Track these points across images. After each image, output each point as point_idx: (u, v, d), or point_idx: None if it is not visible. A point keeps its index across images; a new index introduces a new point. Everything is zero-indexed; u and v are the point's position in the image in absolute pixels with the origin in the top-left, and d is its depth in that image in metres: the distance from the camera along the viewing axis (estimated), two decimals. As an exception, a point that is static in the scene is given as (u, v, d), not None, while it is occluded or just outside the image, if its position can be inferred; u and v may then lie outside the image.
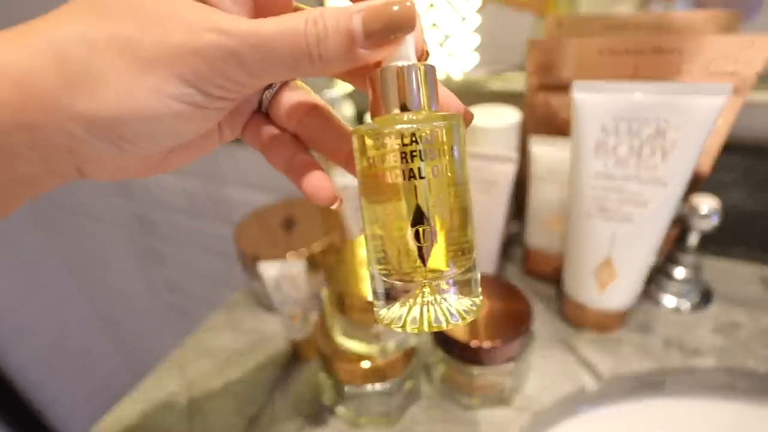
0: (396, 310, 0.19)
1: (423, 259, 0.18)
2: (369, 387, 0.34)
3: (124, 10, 0.16)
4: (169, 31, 0.16)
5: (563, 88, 0.41)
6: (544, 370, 0.40)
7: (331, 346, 0.35)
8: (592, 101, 0.33)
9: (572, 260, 0.41)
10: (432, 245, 0.18)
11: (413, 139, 0.17)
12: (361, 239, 0.36)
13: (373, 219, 0.19)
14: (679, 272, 0.44)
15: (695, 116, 0.31)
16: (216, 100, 0.18)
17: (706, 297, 0.45)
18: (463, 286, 0.19)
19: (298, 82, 0.23)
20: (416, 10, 0.17)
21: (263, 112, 0.23)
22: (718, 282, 0.47)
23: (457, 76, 0.51)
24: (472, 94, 0.49)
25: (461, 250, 0.19)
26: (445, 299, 0.18)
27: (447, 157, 0.17)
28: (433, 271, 0.18)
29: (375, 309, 0.20)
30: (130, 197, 1.08)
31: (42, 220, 1.31)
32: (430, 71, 0.18)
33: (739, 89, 0.34)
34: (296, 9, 0.19)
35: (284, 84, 0.22)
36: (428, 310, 0.18)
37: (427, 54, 0.20)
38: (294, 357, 0.43)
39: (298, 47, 0.16)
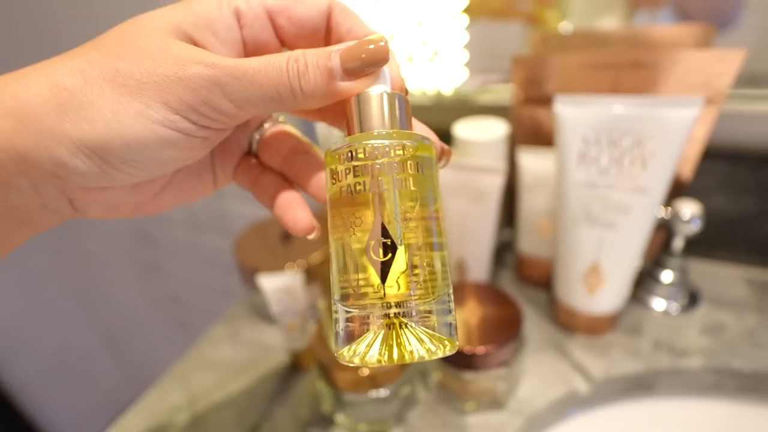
0: (355, 345, 0.17)
1: (383, 276, 0.17)
2: (367, 394, 0.35)
3: (120, 49, 0.17)
4: (159, 64, 0.17)
5: (548, 101, 0.42)
6: (537, 373, 0.41)
7: (329, 355, 0.36)
8: (573, 114, 0.35)
9: (561, 266, 0.42)
10: (390, 262, 0.17)
11: (378, 151, 0.17)
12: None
13: (338, 244, 0.18)
14: (667, 275, 0.46)
15: (670, 127, 0.33)
16: (201, 129, 0.18)
17: (693, 299, 0.47)
18: (427, 319, 0.17)
19: (286, 125, 0.24)
20: (390, 48, 0.18)
21: (253, 153, 0.24)
22: (704, 284, 0.48)
23: (447, 91, 0.53)
24: (461, 107, 0.51)
25: (428, 276, 0.17)
26: (409, 330, 0.17)
27: (412, 173, 0.18)
28: (395, 295, 0.17)
29: (335, 348, 0.18)
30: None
31: (43, 235, 1.31)
32: (401, 99, 0.19)
33: (713, 100, 0.36)
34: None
35: (273, 125, 0.24)
36: (388, 342, 0.17)
37: (406, 91, 0.21)
38: (293, 367, 0.45)
39: (281, 81, 0.17)
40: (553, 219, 0.46)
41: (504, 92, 0.50)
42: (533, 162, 0.44)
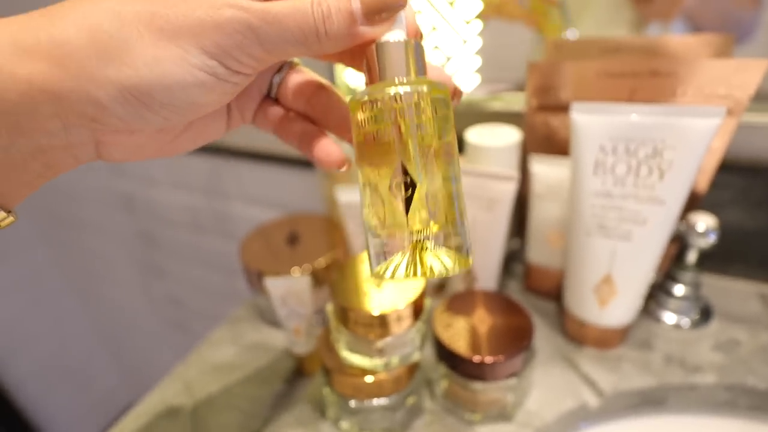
0: (385, 264, 0.20)
1: (406, 209, 0.19)
2: (372, 401, 0.34)
3: None
4: (192, 7, 0.17)
5: (562, 108, 0.42)
6: (546, 385, 0.40)
7: (335, 361, 0.35)
8: (590, 122, 0.34)
9: (573, 277, 0.42)
10: (411, 197, 0.19)
11: (397, 99, 0.19)
12: (363, 246, 0.37)
13: (366, 181, 0.20)
14: (679, 289, 0.45)
15: (690, 137, 0.32)
16: (234, 74, 0.19)
17: (705, 314, 0.46)
18: (447, 241, 0.20)
19: (303, 68, 0.25)
20: None
21: (272, 97, 0.25)
22: (717, 299, 0.47)
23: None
24: (473, 114, 0.50)
25: (444, 205, 0.20)
26: (431, 253, 0.20)
27: (428, 116, 0.19)
28: (417, 223, 0.19)
29: (370, 268, 0.21)
30: (132, 212, 1.08)
31: (44, 234, 1.32)
32: (418, 46, 0.20)
33: (734, 111, 0.35)
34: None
35: (291, 69, 0.25)
36: (413, 262, 0.20)
37: (421, 35, 0.22)
38: (297, 372, 0.44)
39: (307, 24, 0.18)
40: (564, 229, 0.46)
41: (516, 100, 0.50)
42: (545, 170, 0.44)
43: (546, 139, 0.45)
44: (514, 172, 0.38)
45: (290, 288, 0.39)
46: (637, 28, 0.46)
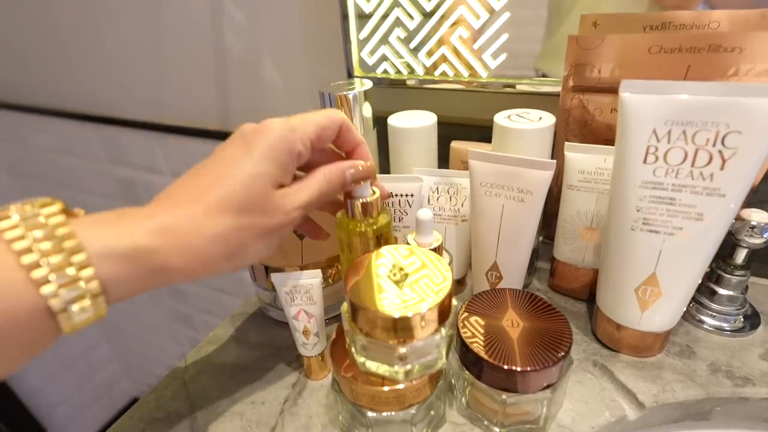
0: None
1: None
2: (391, 413, 0.31)
3: (252, 210, 0.27)
4: (277, 218, 0.28)
5: (602, 89, 0.38)
6: (580, 396, 0.36)
7: (349, 367, 0.31)
8: (643, 102, 0.30)
9: (610, 276, 0.38)
10: None
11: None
12: (382, 251, 0.33)
13: None
14: (723, 291, 0.41)
15: (760, 120, 0.28)
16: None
17: (752, 320, 0.42)
18: None
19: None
20: (373, 169, 0.33)
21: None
22: (764, 304, 0.43)
23: (484, 75, 0.48)
24: (500, 94, 0.46)
25: None
26: None
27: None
28: None
29: None
30: (134, 202, 1.05)
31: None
32: (375, 200, 0.34)
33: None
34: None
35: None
36: None
37: (389, 194, 0.41)
38: (306, 375, 0.40)
39: (328, 195, 0.31)
40: (599, 223, 0.42)
41: (549, 80, 0.46)
42: (580, 159, 0.40)
43: (581, 123, 0.41)
44: (551, 160, 0.34)
45: (299, 284, 0.36)
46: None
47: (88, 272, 0.21)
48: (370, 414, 0.31)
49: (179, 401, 0.39)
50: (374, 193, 0.34)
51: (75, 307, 0.21)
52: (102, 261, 0.22)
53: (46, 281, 0.20)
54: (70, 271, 0.20)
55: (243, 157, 0.27)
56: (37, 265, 0.20)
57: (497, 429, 0.33)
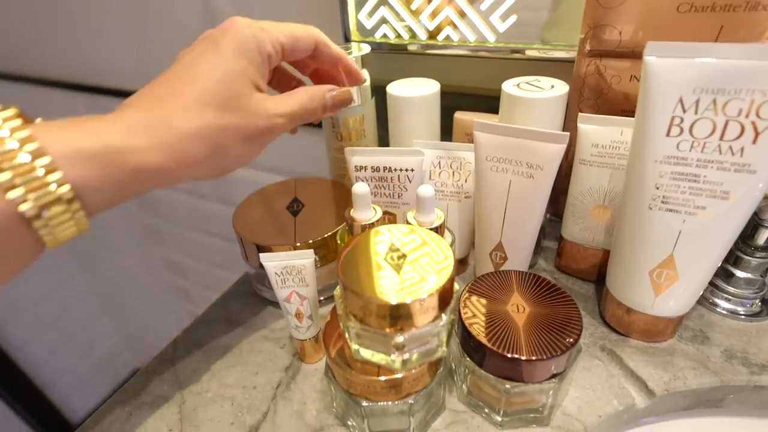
0: None
1: None
2: (387, 404, 0.29)
3: (230, 109, 0.26)
4: (258, 120, 0.28)
5: (622, 54, 0.34)
6: (587, 383, 0.35)
7: (342, 354, 0.30)
8: (670, 67, 0.27)
9: (623, 257, 0.35)
10: None
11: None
12: (380, 229, 0.30)
13: None
14: (741, 273, 0.39)
15: (803, 88, 0.25)
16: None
17: (769, 303, 0.40)
18: None
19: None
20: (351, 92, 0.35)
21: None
22: (783, 285, 0.41)
23: (492, 39, 0.45)
24: (508, 61, 0.43)
25: None
26: None
27: None
28: None
29: None
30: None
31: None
32: (377, 220, 0.35)
33: None
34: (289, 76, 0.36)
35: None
36: None
37: (364, 79, 0.37)
38: (300, 358, 0.38)
39: (310, 112, 0.31)
40: (612, 201, 0.39)
41: (562, 44, 0.42)
42: (595, 131, 0.37)
43: (596, 92, 0.38)
44: (564, 132, 0.31)
45: (290, 264, 0.33)
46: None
47: (56, 176, 0.20)
48: (365, 404, 0.29)
49: (167, 384, 0.37)
50: (375, 212, 0.35)
51: (49, 213, 0.20)
52: (70, 163, 0.20)
53: (12, 186, 0.19)
54: (38, 173, 0.19)
55: (214, 55, 0.26)
56: None
57: (499, 418, 0.32)
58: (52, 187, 0.20)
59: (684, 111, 0.28)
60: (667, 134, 0.29)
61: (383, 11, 0.49)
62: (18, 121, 0.20)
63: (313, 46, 0.31)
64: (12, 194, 0.19)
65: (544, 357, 0.28)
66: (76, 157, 0.21)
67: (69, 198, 0.20)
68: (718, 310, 0.39)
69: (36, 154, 0.19)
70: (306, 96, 0.30)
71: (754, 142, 0.27)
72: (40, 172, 0.19)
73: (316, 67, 0.35)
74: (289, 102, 0.29)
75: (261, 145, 0.29)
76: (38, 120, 0.22)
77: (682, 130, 0.28)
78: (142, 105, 0.24)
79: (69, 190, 0.20)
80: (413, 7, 0.47)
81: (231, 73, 0.26)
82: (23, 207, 0.19)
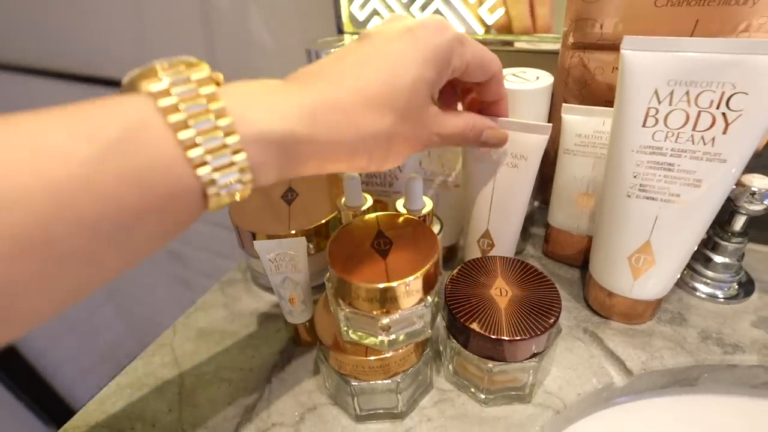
0: None
1: None
2: (376, 382, 0.31)
3: (409, 116, 0.25)
4: (429, 128, 0.27)
5: (604, 46, 0.36)
6: (568, 363, 0.36)
7: (333, 336, 0.31)
8: (646, 60, 0.28)
9: (604, 243, 0.37)
10: None
11: None
12: (369, 216, 0.32)
13: None
14: (719, 258, 0.40)
15: (769, 80, 0.26)
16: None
17: (746, 287, 0.41)
18: None
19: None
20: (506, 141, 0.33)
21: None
22: (759, 271, 0.43)
23: (480, 32, 0.46)
24: (496, 53, 0.44)
25: None
26: None
27: None
28: None
29: None
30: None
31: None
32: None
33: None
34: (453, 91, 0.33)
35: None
36: None
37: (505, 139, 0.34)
38: (294, 341, 0.40)
39: (463, 140, 0.30)
40: (595, 189, 0.40)
41: (549, 36, 0.43)
42: (579, 120, 0.38)
43: (580, 83, 0.39)
44: (547, 123, 0.32)
45: (283, 251, 0.35)
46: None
47: (241, 157, 0.19)
48: (354, 383, 0.31)
49: (167, 368, 0.39)
50: (366, 200, 0.37)
51: (225, 191, 0.19)
52: (254, 146, 0.20)
53: (202, 162, 0.18)
54: (225, 153, 0.19)
55: (412, 57, 0.24)
56: (193, 144, 0.18)
57: (483, 396, 0.33)
58: (235, 169, 0.19)
59: (659, 102, 0.29)
60: (644, 125, 0.30)
61: (375, 3, 0.49)
62: (212, 88, 0.19)
63: (490, 77, 0.30)
64: (201, 171, 0.18)
65: (525, 337, 0.30)
66: (261, 140, 0.20)
67: (247, 180, 0.20)
68: (697, 293, 0.41)
69: (227, 131, 0.19)
70: (469, 123, 0.29)
71: (725, 132, 0.28)
72: (228, 153, 0.19)
73: (473, 96, 0.33)
74: (452, 124, 0.28)
75: (411, 154, 0.27)
76: (220, 77, 0.21)
77: (657, 121, 0.30)
78: (325, 85, 0.23)
79: (249, 172, 0.20)
80: (404, -1, 0.48)
81: (421, 82, 0.25)
82: (208, 186, 0.19)
